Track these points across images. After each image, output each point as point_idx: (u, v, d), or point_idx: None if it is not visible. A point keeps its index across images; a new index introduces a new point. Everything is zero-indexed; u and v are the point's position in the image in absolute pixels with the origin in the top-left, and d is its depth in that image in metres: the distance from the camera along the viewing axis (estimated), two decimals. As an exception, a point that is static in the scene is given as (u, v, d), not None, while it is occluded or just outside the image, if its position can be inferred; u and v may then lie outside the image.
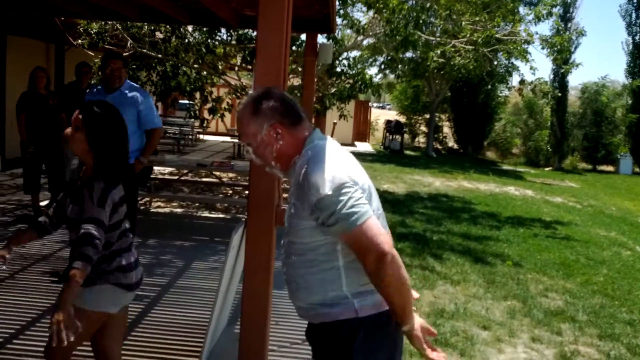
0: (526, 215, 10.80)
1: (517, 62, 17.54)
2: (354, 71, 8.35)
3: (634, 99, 24.11)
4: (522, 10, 14.44)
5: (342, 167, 1.84)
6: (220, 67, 8.99)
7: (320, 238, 1.87)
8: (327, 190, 1.77)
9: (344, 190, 1.77)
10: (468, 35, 8.70)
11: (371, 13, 8.03)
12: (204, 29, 8.33)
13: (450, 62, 8.97)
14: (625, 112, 24.51)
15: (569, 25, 21.73)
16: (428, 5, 7.54)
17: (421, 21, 7.52)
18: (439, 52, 8.81)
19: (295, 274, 1.98)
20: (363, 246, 1.75)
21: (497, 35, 8.93)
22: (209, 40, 8.31)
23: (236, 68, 9.80)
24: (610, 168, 24.40)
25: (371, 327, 1.90)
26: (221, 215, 8.03)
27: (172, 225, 7.38)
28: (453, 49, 8.70)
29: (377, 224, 1.77)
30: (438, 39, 8.71)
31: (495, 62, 15.11)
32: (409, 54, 12.87)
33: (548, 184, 18.18)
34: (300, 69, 8.81)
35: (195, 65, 8.49)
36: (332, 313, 1.91)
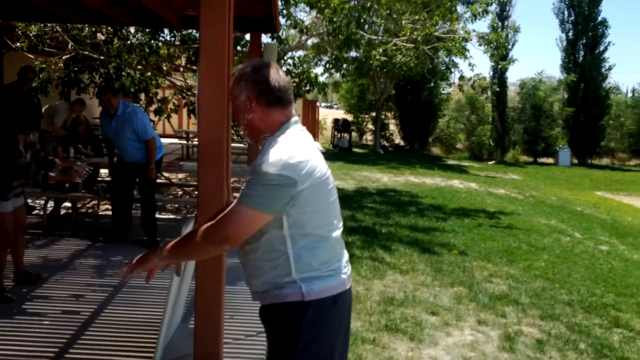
0: (471, 207, 11.14)
1: (457, 60, 18.04)
2: (299, 70, 8.45)
3: (570, 93, 25.15)
4: (460, 8, 14.89)
5: (297, 162, 1.92)
6: (164, 68, 8.92)
7: (269, 226, 1.96)
8: (270, 168, 1.88)
9: (278, 182, 1.88)
10: (408, 34, 8.92)
11: (314, 13, 8.13)
12: (147, 30, 8.25)
13: (393, 60, 9.16)
14: (562, 105, 25.53)
15: (506, 23, 22.45)
16: (369, 4, 7.70)
17: (362, 20, 7.68)
18: (381, 50, 9.00)
19: (248, 261, 2.07)
20: (226, 216, 1.93)
21: (436, 34, 9.19)
22: (152, 42, 8.24)
23: (181, 69, 9.74)
24: (550, 160, 25.35)
25: (317, 309, 2.00)
26: (171, 216, 7.99)
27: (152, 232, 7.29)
28: (394, 47, 8.89)
29: (253, 220, 1.91)
30: (380, 37, 8.90)
31: (436, 60, 15.47)
32: (352, 53, 13.07)
33: (491, 176, 18.76)
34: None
35: (139, 67, 8.39)
36: (280, 295, 2.01)
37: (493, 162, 24.20)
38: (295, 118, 2.10)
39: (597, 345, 4.58)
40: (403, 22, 9.08)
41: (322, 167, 2.01)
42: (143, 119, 6.04)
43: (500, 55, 10.39)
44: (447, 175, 17.27)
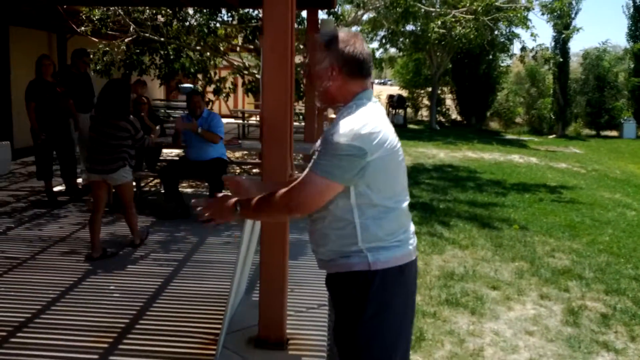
0: (531, 182, 10.90)
1: (518, 30, 17.43)
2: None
3: (636, 63, 24.00)
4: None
5: (369, 132, 1.94)
6: (222, 48, 9.04)
7: (337, 195, 2.00)
8: (341, 138, 1.92)
9: (349, 152, 1.91)
10: (468, 5, 8.72)
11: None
12: (205, 11, 8.37)
13: (451, 32, 8.97)
14: (628, 76, 24.40)
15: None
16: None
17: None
18: (439, 23, 8.84)
19: (316, 229, 2.13)
20: (299, 185, 1.97)
21: (497, 3, 8.95)
22: (210, 22, 8.36)
23: (238, 49, 9.85)
24: (614, 133, 24.36)
25: (384, 278, 2.04)
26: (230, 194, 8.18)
27: (184, 204, 7.52)
28: (453, 19, 8.73)
29: (326, 190, 1.95)
30: (438, 9, 8.74)
31: (496, 31, 15.05)
32: (409, 27, 12.84)
33: (552, 151, 18.22)
34: (302, 47, 8.87)
35: (198, 47, 8.54)
36: (347, 264, 2.06)
37: (554, 135, 23.45)
38: (369, 90, 2.13)
39: (665, 320, 4.46)
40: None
41: (392, 138, 2.03)
42: (221, 121, 6.60)
43: (564, 24, 10.01)
44: (506, 149, 16.90)
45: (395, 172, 2.06)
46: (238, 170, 9.77)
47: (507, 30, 18.22)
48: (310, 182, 1.97)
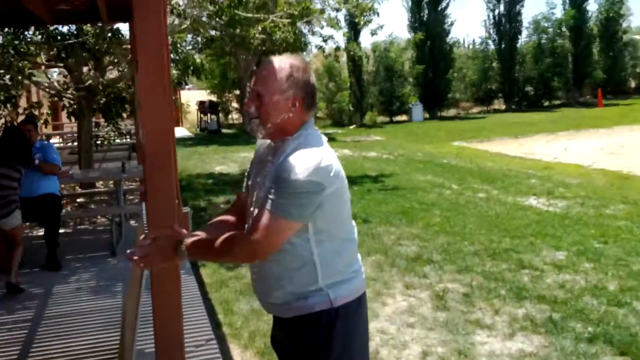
0: (354, 175, 11.49)
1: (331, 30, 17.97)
2: (182, 57, 8.11)
3: (418, 51, 26.57)
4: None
5: (325, 166, 1.87)
6: (25, 69, 8.09)
7: (295, 234, 1.90)
8: (299, 175, 1.82)
9: (308, 189, 1.83)
10: (285, 10, 8.89)
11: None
12: (7, 30, 7.41)
13: (272, 37, 9.09)
14: (412, 64, 26.93)
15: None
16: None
17: (244, 1, 7.51)
18: (259, 28, 8.89)
19: (269, 272, 1.99)
20: (257, 228, 1.85)
21: (310, 7, 9.26)
22: (16, 42, 7.42)
23: (42, 67, 8.91)
24: (404, 117, 26.76)
25: (346, 313, 1.99)
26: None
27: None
28: (272, 24, 8.84)
29: (286, 230, 1.86)
30: (257, 15, 8.78)
31: (311, 34, 15.52)
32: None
33: (358, 141, 19.43)
34: (116, 61, 8.34)
35: (1, 71, 7.54)
36: (307, 305, 1.96)
37: (354, 126, 25.04)
38: (312, 120, 2.04)
39: (514, 289, 5.01)
40: (276, -2, 9.04)
41: (340, 167, 1.97)
42: (56, 150, 6.17)
43: (369, 22, 10.75)
44: (319, 144, 17.60)
45: (347, 202, 2.03)
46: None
47: (322, 32, 18.95)
48: (269, 224, 1.84)
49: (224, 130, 22.75)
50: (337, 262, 1.97)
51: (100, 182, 8.99)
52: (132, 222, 7.16)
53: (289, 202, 1.83)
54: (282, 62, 1.95)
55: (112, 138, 8.86)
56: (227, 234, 1.95)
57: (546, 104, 29.23)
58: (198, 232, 2.14)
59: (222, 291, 5.20)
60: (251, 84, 2.00)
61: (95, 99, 8.92)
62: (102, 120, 9.59)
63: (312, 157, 1.86)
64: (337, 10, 10.16)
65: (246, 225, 2.08)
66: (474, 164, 13.27)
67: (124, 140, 11.11)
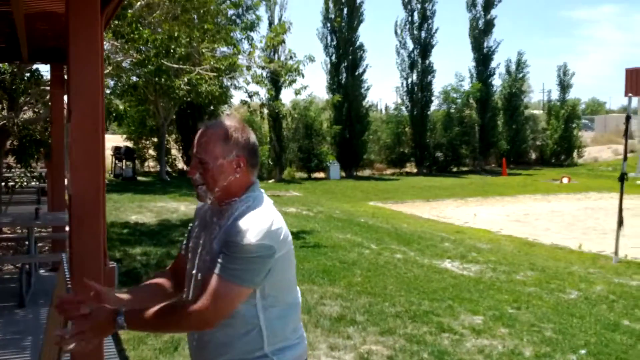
0: (274, 229, 11.45)
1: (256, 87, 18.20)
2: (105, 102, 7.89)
3: (335, 112, 27.28)
4: (239, 34, 15.29)
5: (276, 229, 1.88)
6: None
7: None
8: (251, 239, 1.81)
9: (261, 254, 1.83)
10: (212, 63, 8.95)
11: (113, 42, 7.69)
12: None
13: (198, 89, 9.10)
14: (330, 124, 27.58)
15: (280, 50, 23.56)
16: (176, 34, 7.53)
17: (172, 50, 7.50)
18: (186, 79, 8.87)
19: (213, 338, 1.94)
20: (209, 296, 1.81)
21: (238, 63, 9.39)
22: None
23: None
24: (322, 175, 27.14)
25: None
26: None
27: None
28: (198, 77, 8.85)
29: (238, 297, 1.84)
30: (183, 67, 8.77)
31: (235, 88, 15.63)
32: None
33: (277, 195, 19.45)
34: (34, 102, 8.00)
35: None
36: None
37: (273, 180, 25.10)
38: (257, 181, 2.04)
39: (435, 352, 5.11)
40: (204, 50, 9.08)
41: (287, 230, 1.98)
42: None
43: (292, 82, 10.97)
44: (238, 197, 17.46)
45: (293, 265, 2.03)
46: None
47: (246, 87, 19.07)
48: (222, 291, 1.81)
49: (139, 178, 22.13)
50: (283, 327, 1.97)
51: (7, 227, 8.44)
52: (42, 272, 6.74)
53: (240, 268, 1.82)
54: (219, 126, 1.95)
55: (24, 181, 8.40)
56: (169, 302, 1.91)
57: (455, 169, 30.65)
58: (129, 296, 2.06)
59: (140, 349, 4.95)
60: (193, 152, 1.99)
61: (8, 140, 8.48)
62: (11, 162, 9.09)
63: (263, 221, 1.87)
64: (263, 68, 10.36)
65: (186, 291, 2.05)
66: (390, 224, 13.60)
67: (33, 182, 10.56)
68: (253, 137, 2.00)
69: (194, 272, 2.00)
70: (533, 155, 34.35)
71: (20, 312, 5.40)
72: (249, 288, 1.85)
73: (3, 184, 8.45)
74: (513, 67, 32.04)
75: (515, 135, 31.86)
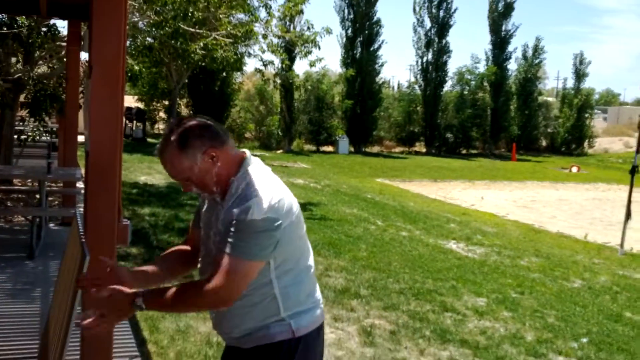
0: (282, 200, 11.48)
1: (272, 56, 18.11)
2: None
3: (348, 87, 27.12)
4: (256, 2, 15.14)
5: (277, 201, 1.87)
6: None
7: None
8: (254, 215, 1.82)
9: (266, 228, 1.84)
10: (229, 29, 8.87)
11: (131, 1, 7.61)
12: None
13: (213, 55, 9.01)
14: (342, 98, 27.44)
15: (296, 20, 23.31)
16: (193, -4, 7.46)
17: (190, 14, 7.44)
18: (201, 44, 8.80)
19: (231, 309, 1.95)
20: (222, 275, 1.83)
21: (255, 30, 9.31)
22: None
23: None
24: (330, 149, 27.11)
25: (306, 342, 2.00)
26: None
27: None
28: (214, 42, 8.78)
29: (251, 272, 1.86)
30: (201, 31, 8.70)
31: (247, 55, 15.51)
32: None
33: (285, 166, 19.48)
34: (49, 57, 7.98)
35: None
36: (268, 335, 1.96)
37: (281, 151, 25.10)
38: (248, 152, 2.02)
39: (437, 330, 5.13)
40: (221, 16, 8.99)
41: (293, 198, 1.97)
42: None
43: (307, 53, 10.87)
44: (246, 166, 17.48)
45: (302, 230, 2.03)
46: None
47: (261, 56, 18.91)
48: (234, 269, 1.83)
49: (149, 140, 22.14)
50: (297, 293, 1.99)
51: (18, 180, 8.48)
52: (51, 225, 6.78)
53: (249, 243, 1.83)
54: (168, 145, 1.89)
55: (36, 135, 8.42)
56: (184, 283, 1.93)
57: (464, 152, 30.55)
58: (147, 268, 2.08)
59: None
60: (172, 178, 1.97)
61: (22, 93, 8.48)
62: (25, 115, 9.10)
63: (264, 195, 1.86)
64: (279, 37, 10.26)
65: (200, 269, 2.07)
66: (397, 202, 13.62)
67: (44, 137, 10.60)
68: (196, 121, 1.93)
69: (206, 251, 2.03)
70: (544, 143, 34.16)
71: (30, 263, 5.45)
72: (260, 262, 1.87)
73: (15, 136, 8.47)
74: (530, 52, 31.72)
75: (527, 121, 31.66)
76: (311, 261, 2.09)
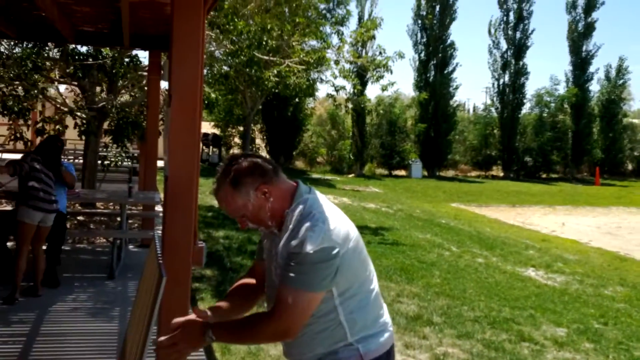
0: (355, 224, 11.45)
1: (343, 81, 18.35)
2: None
3: (421, 110, 26.96)
4: (329, 29, 15.39)
5: (334, 230, 1.87)
6: (40, 82, 8.13)
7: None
8: (310, 246, 1.82)
9: (323, 258, 1.83)
10: (302, 56, 9.07)
11: (208, 32, 7.95)
12: (26, 44, 7.47)
13: (286, 81, 9.24)
14: (414, 122, 27.27)
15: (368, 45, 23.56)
16: (269, 26, 7.70)
17: (264, 42, 7.67)
18: (275, 72, 9.04)
19: (298, 339, 1.96)
20: (282, 308, 1.84)
21: (327, 56, 9.47)
22: (34, 56, 7.46)
23: (55, 83, 8.97)
24: (403, 172, 26.92)
25: None
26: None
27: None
28: (287, 69, 8.99)
29: (312, 303, 1.86)
30: (273, 59, 8.95)
31: (323, 82, 15.83)
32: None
33: (357, 190, 19.48)
34: (131, 86, 8.40)
35: (16, 82, 7.57)
36: None
37: (353, 175, 25.16)
38: (300, 182, 2.03)
39: (514, 361, 4.93)
40: (294, 43, 9.21)
41: (350, 224, 1.97)
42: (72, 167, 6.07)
43: (381, 77, 10.94)
44: (320, 190, 17.61)
45: (362, 254, 2.02)
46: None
47: (334, 81, 19.28)
48: (295, 301, 1.84)
49: (224, 165, 22.77)
50: (364, 317, 1.98)
51: (101, 203, 8.92)
52: (130, 247, 7.07)
53: (308, 275, 1.84)
54: (222, 184, 1.93)
55: (119, 161, 8.86)
56: (250, 315, 1.95)
57: (544, 176, 29.53)
58: (221, 305, 2.12)
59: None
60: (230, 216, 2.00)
61: (106, 121, 8.96)
62: (108, 141, 9.60)
63: (319, 225, 1.86)
64: (351, 63, 10.36)
65: (267, 301, 2.10)
66: (473, 227, 13.28)
67: (125, 162, 11.11)
68: (248, 162, 1.95)
69: (270, 282, 2.06)
70: (630, 166, 32.52)
71: (110, 283, 5.68)
72: (321, 292, 1.87)
73: (99, 162, 8.93)
74: (613, 73, 30.49)
75: (612, 144, 30.29)
76: (375, 284, 2.07)
